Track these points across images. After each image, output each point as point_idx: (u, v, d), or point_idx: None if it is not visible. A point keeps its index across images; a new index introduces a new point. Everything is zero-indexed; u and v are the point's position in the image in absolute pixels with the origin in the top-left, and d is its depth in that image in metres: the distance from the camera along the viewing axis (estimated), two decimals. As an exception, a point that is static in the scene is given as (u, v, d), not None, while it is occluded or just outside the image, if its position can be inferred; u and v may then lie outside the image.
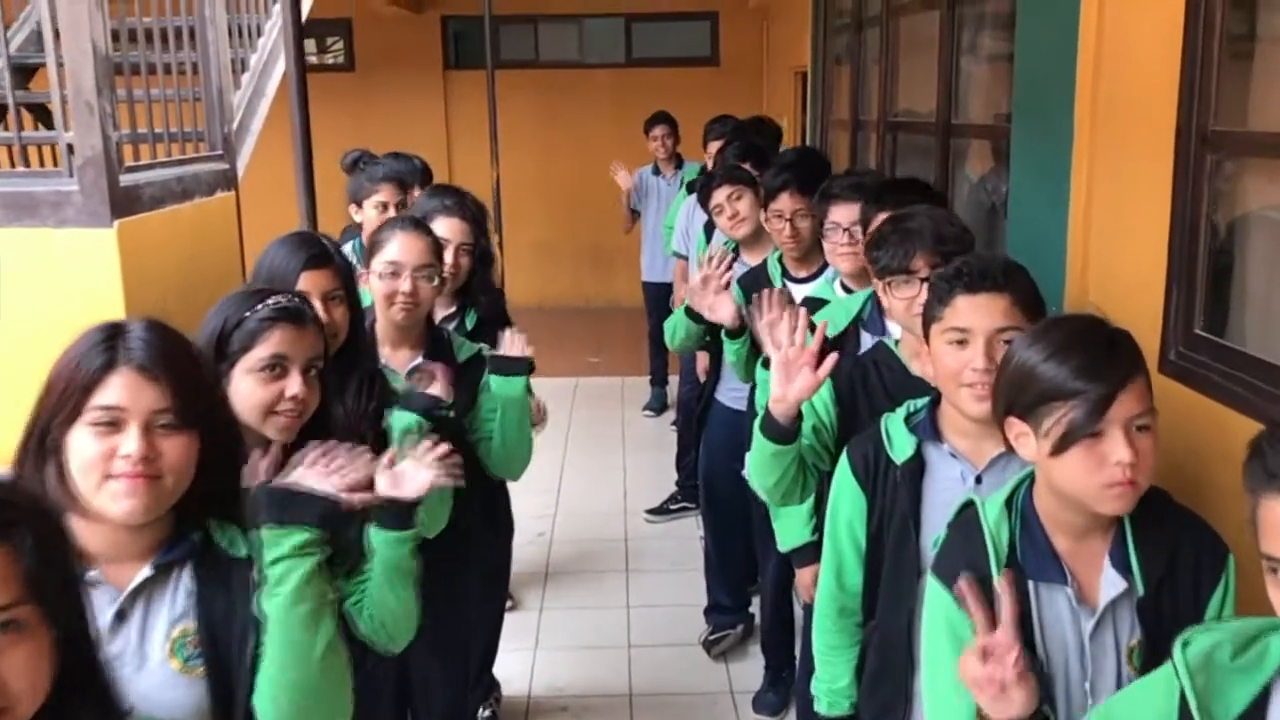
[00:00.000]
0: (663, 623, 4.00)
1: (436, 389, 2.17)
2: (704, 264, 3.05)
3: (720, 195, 3.45)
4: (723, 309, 2.98)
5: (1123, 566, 1.48)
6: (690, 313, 3.15)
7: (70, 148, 2.75)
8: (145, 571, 1.35)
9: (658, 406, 6.56)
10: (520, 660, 3.75)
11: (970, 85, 3.87)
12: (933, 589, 1.56)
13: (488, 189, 6.71)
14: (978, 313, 1.72)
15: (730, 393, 3.46)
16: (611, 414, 6.59)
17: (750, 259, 3.43)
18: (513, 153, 8.12)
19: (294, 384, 1.70)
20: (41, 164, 3.37)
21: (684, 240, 4.87)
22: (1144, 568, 1.47)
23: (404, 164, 3.79)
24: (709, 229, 4.12)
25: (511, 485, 2.99)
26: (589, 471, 5.57)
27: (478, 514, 2.64)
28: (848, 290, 2.78)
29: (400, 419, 2.11)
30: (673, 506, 5.00)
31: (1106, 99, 2.46)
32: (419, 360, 2.43)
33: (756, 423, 2.01)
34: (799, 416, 1.97)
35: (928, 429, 1.83)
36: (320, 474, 1.50)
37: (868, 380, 2.13)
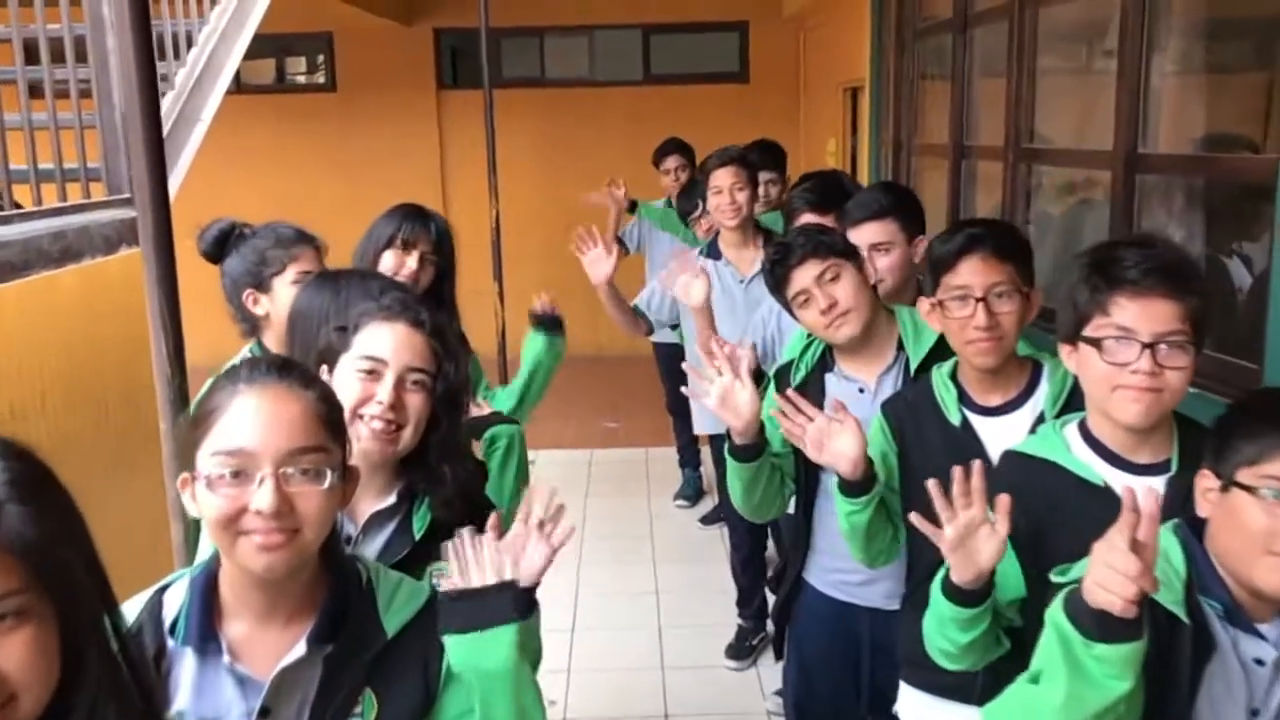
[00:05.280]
0: None
1: None
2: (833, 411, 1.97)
3: (804, 277, 2.13)
4: (843, 443, 1.90)
5: None
6: (733, 449, 2.08)
7: None
8: None
9: (692, 494, 5.43)
10: None
11: (1170, 100, 2.71)
12: None
13: (486, 223, 6.01)
14: None
15: (829, 571, 2.27)
16: (636, 504, 5.43)
17: (858, 373, 2.21)
18: (515, 182, 7.45)
19: None
20: None
21: (771, 349, 2.82)
22: None
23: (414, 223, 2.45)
24: None
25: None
26: (611, 600, 4.38)
27: None
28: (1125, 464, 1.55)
29: None
30: (753, 641, 3.90)
31: None
32: (301, 652, 1.24)
33: None
34: None
35: None
36: None
37: None
